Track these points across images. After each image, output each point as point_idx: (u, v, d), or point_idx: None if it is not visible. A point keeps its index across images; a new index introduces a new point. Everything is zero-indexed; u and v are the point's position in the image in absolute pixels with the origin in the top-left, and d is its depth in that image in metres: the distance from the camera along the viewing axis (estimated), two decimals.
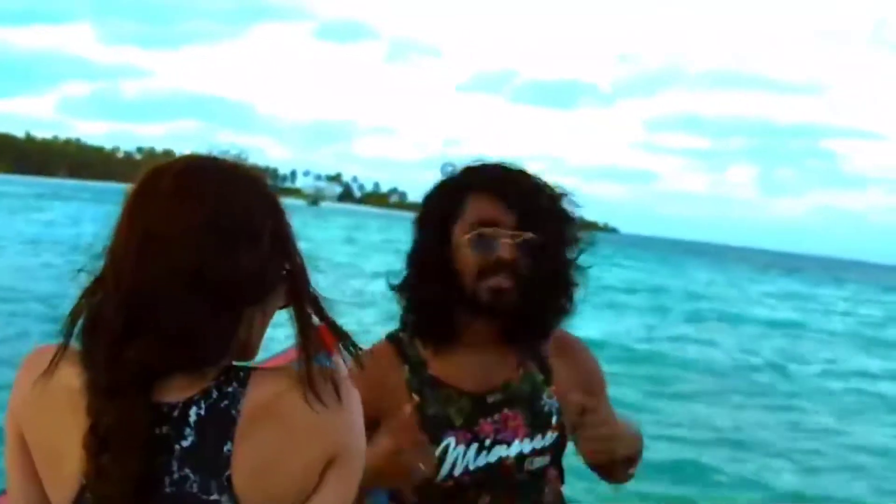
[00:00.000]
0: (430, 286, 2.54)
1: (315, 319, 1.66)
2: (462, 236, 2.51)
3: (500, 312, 2.51)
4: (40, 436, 1.61)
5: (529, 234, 2.49)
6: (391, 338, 2.64)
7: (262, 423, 1.56)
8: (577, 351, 2.74)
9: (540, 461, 2.58)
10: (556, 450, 2.60)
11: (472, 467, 2.55)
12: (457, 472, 2.55)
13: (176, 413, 1.55)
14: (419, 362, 2.60)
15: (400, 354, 2.61)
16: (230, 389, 1.57)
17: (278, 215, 1.65)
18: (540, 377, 2.64)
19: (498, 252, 2.48)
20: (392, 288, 2.61)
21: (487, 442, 2.56)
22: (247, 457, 1.54)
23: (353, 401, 1.65)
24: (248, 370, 1.61)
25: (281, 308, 1.67)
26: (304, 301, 1.64)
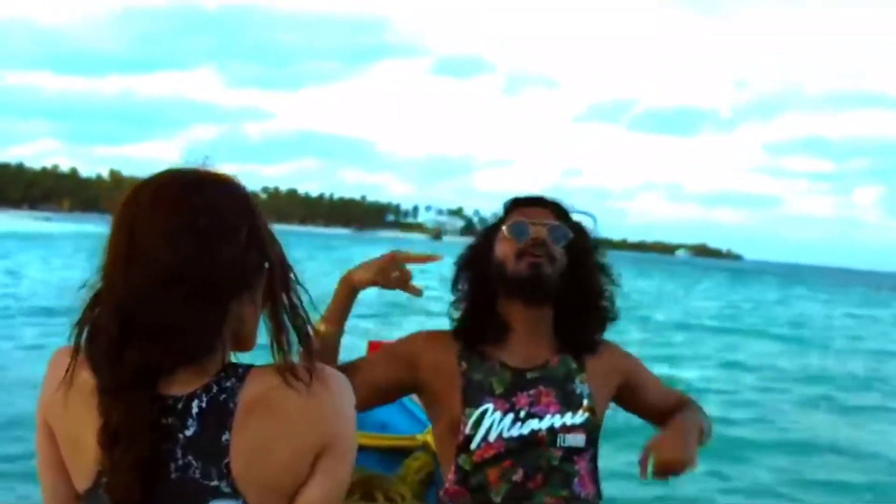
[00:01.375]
0: (475, 287, 2.92)
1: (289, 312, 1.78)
2: (501, 233, 2.88)
3: (540, 287, 2.81)
4: (65, 430, 1.76)
5: (558, 223, 2.86)
6: (452, 328, 2.96)
7: (257, 414, 1.68)
8: (607, 349, 3.00)
9: (573, 440, 2.80)
10: (590, 432, 2.83)
11: (506, 435, 2.78)
12: (491, 437, 2.78)
13: (180, 405, 1.69)
14: (471, 340, 2.92)
15: (457, 337, 2.93)
16: (228, 384, 1.70)
17: (253, 214, 1.75)
18: (574, 365, 2.90)
19: (530, 234, 2.83)
20: (452, 303, 2.95)
21: (522, 413, 2.79)
22: (243, 445, 1.66)
23: (340, 389, 1.76)
24: (247, 367, 1.74)
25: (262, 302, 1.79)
26: (278, 295, 1.76)
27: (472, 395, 2.80)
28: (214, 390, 1.70)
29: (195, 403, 1.69)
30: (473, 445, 2.77)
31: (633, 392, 3.00)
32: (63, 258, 45.53)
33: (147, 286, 1.65)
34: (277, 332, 1.75)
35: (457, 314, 2.93)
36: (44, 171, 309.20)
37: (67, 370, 1.73)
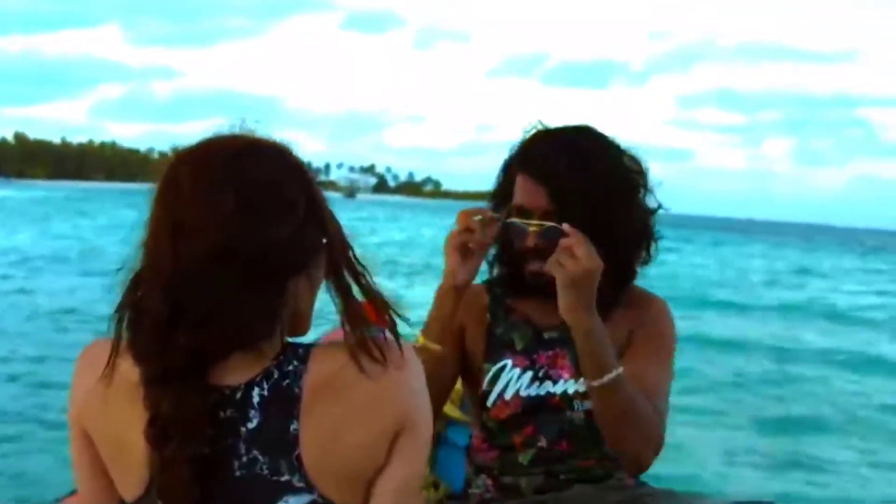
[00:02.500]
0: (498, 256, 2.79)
1: (356, 289, 1.67)
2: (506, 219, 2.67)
3: (548, 292, 2.53)
4: (105, 430, 1.64)
5: (551, 224, 2.57)
6: (487, 280, 2.86)
7: (325, 399, 1.58)
8: (643, 304, 2.79)
9: (589, 405, 2.65)
10: None
11: (522, 394, 2.71)
12: (508, 394, 2.72)
13: (238, 395, 1.58)
14: (500, 293, 2.84)
15: (488, 289, 2.85)
16: (290, 368, 1.60)
17: (309, 184, 1.66)
18: None
19: (525, 241, 2.63)
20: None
21: (541, 373, 2.71)
22: (313, 434, 1.57)
23: (412, 367, 1.66)
24: (308, 347, 1.63)
25: (325, 279, 1.69)
26: (341, 271, 1.66)
27: (493, 350, 2.77)
28: (276, 376, 1.60)
29: (255, 392, 1.58)
30: (489, 402, 2.73)
31: (625, 352, 2.70)
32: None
33: (198, 263, 1.55)
34: (347, 311, 1.65)
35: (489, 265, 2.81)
36: None
37: (108, 362, 1.60)
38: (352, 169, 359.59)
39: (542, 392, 2.71)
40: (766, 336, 22.41)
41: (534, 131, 2.76)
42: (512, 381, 2.72)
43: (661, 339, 2.76)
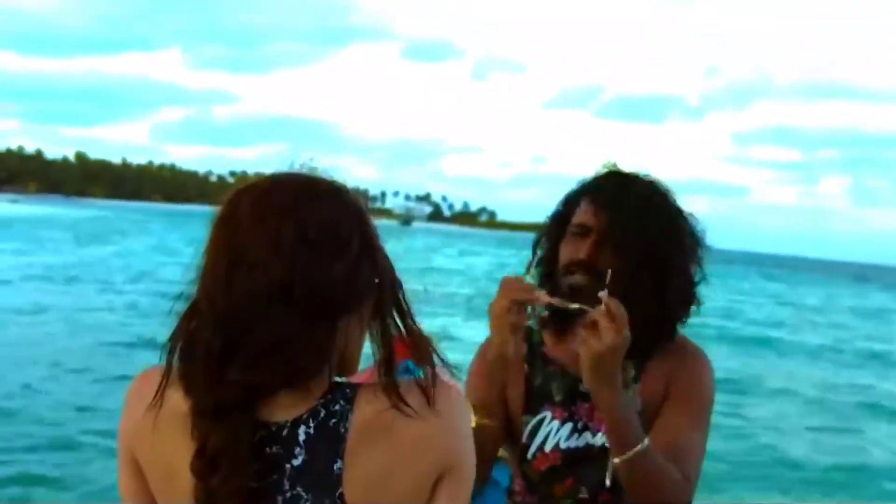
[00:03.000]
0: (540, 284, 2.72)
1: (402, 330, 1.69)
2: (568, 235, 2.69)
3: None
4: (154, 458, 1.66)
5: (605, 244, 2.59)
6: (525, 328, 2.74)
7: (371, 440, 1.59)
8: (683, 358, 2.73)
9: None
10: None
11: (562, 446, 2.68)
12: (548, 447, 2.69)
13: (285, 432, 1.59)
14: (538, 342, 2.81)
15: (525, 337, 2.71)
16: (337, 407, 1.61)
17: (365, 224, 1.68)
18: (633, 372, 2.68)
19: (571, 255, 2.64)
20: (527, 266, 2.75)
21: (580, 424, 2.68)
22: (358, 474, 1.58)
23: (455, 408, 1.66)
24: (355, 388, 1.64)
25: (371, 319, 1.70)
26: (388, 312, 1.68)
27: (532, 402, 2.73)
28: (322, 415, 1.61)
29: (302, 430, 1.60)
30: (529, 455, 2.71)
31: (663, 398, 2.66)
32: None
33: (253, 298, 1.56)
34: (384, 353, 1.67)
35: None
36: (8, 152, 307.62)
37: (158, 391, 1.62)
38: (407, 197, 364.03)
39: (582, 444, 2.68)
40: None
41: (607, 170, 2.76)
42: (552, 433, 2.70)
43: (699, 399, 2.68)
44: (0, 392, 13.35)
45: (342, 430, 1.59)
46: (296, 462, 1.59)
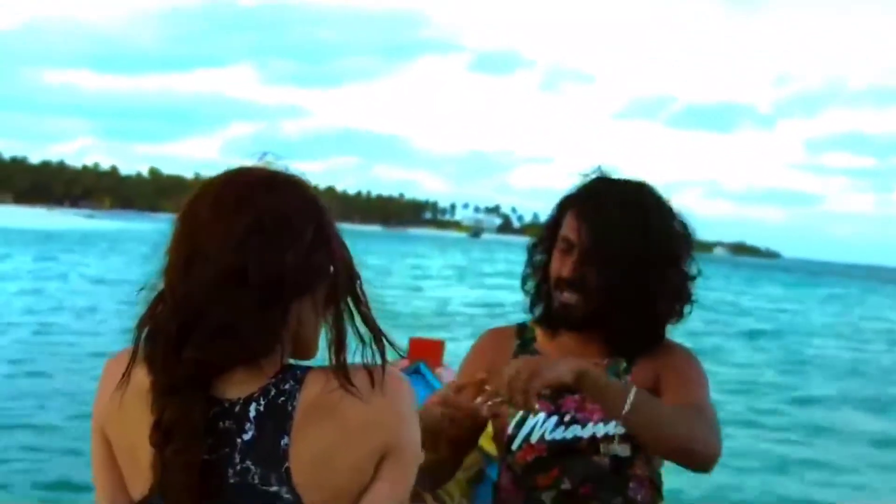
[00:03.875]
0: (536, 284, 2.88)
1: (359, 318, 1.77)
2: (556, 250, 2.79)
3: (572, 324, 2.76)
4: (120, 434, 1.76)
5: (588, 259, 2.69)
6: (519, 324, 2.96)
7: (317, 418, 1.67)
8: (672, 352, 2.83)
9: (618, 449, 2.71)
10: (635, 440, 2.69)
11: (548, 437, 2.74)
12: (533, 438, 2.75)
13: (237, 409, 1.68)
14: (530, 338, 2.90)
15: (518, 334, 2.92)
16: (287, 387, 1.69)
17: (320, 215, 1.76)
18: (623, 364, 2.79)
19: (559, 272, 2.75)
20: (523, 281, 2.91)
21: (567, 417, 2.74)
22: (303, 450, 1.66)
23: (400, 393, 1.74)
24: (306, 369, 1.73)
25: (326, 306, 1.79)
26: (341, 299, 1.75)
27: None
28: (272, 393, 1.69)
29: (252, 407, 1.68)
30: (514, 446, 2.77)
31: (655, 391, 2.75)
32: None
33: (208, 283, 1.66)
34: (335, 337, 1.74)
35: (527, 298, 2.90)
36: (84, 168, 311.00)
37: (125, 372, 1.73)
38: (477, 209, 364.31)
39: (570, 436, 2.73)
40: None
41: (593, 175, 2.83)
42: (538, 425, 2.75)
43: (692, 376, 2.78)
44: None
45: (290, 408, 1.67)
46: (246, 437, 1.67)
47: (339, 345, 1.73)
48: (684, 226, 2.79)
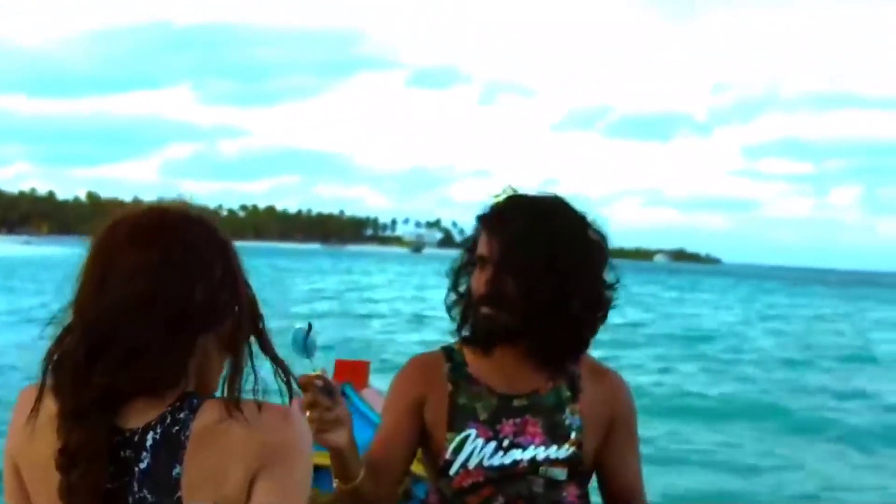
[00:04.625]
0: (460, 305, 2.88)
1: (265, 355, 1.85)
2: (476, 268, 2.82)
3: (496, 338, 2.78)
4: (32, 464, 1.77)
5: (501, 271, 2.73)
6: (444, 347, 2.93)
7: (205, 445, 1.70)
8: (612, 382, 2.90)
9: (555, 472, 2.74)
10: (574, 466, 2.75)
11: (486, 464, 2.73)
12: (471, 464, 2.74)
13: (136, 438, 1.71)
14: (461, 361, 2.86)
15: (446, 357, 2.88)
16: (181, 416, 1.72)
17: (228, 253, 1.82)
18: (567, 393, 2.81)
19: (477, 290, 2.78)
20: (447, 303, 2.92)
21: (506, 443, 2.74)
22: (192, 478, 1.69)
23: (287, 419, 1.77)
24: (202, 399, 1.75)
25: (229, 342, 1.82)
26: (242, 336, 1.80)
27: (456, 420, 2.78)
28: (168, 421, 1.72)
29: (150, 436, 1.72)
30: (452, 471, 2.75)
31: (606, 441, 2.85)
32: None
33: (118, 310, 1.70)
34: (232, 370, 1.79)
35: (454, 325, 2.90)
36: (21, 194, 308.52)
37: (36, 402, 1.76)
38: (418, 224, 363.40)
39: (508, 461, 2.74)
40: None
41: (504, 195, 2.87)
42: (475, 451, 2.74)
43: (633, 424, 2.91)
44: None
45: (182, 437, 1.71)
46: (142, 465, 1.71)
47: (233, 378, 1.78)
48: (599, 234, 2.82)
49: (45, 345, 1.78)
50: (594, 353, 2.92)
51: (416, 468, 3.44)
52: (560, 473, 2.74)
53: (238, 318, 1.81)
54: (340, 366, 5.10)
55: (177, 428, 1.72)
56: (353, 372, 5.01)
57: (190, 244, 1.78)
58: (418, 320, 36.17)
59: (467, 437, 2.74)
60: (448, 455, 2.76)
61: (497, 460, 2.73)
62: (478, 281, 2.78)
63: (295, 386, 1.93)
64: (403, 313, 40.07)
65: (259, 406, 1.75)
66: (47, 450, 1.71)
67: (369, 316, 38.95)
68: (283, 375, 1.86)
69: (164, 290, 1.72)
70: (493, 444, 2.74)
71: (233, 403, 1.73)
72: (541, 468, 2.73)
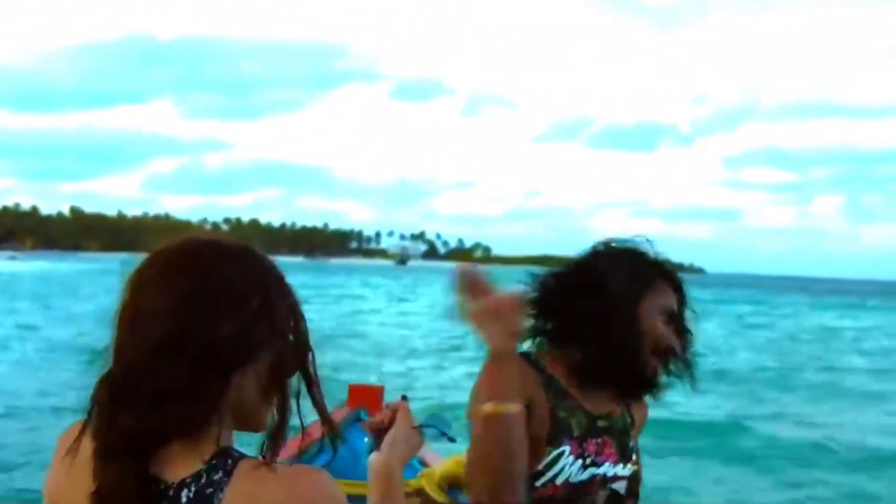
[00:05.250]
0: (615, 338, 2.85)
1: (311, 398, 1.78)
2: (653, 314, 2.91)
3: (649, 391, 2.97)
4: (67, 500, 1.73)
5: (678, 332, 2.95)
6: (523, 353, 2.88)
7: None
8: (645, 412, 3.12)
9: (618, 485, 2.89)
10: (634, 483, 2.94)
11: (571, 480, 2.81)
12: (559, 480, 2.80)
13: (171, 492, 1.66)
14: (546, 372, 2.89)
15: (529, 363, 2.87)
16: (216, 477, 1.65)
17: (267, 284, 1.75)
18: (629, 419, 3.02)
19: (671, 342, 2.91)
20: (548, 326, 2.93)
21: (588, 461, 2.84)
22: None
23: (318, 487, 1.68)
24: (237, 459, 1.68)
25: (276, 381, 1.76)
26: (284, 375, 1.74)
27: (555, 433, 2.81)
28: (203, 480, 1.66)
29: (184, 493, 1.66)
30: (539, 483, 2.77)
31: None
32: None
33: (146, 349, 1.65)
34: (277, 420, 1.74)
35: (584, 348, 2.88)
36: (5, 210, 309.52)
37: (75, 441, 1.72)
38: (402, 237, 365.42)
39: (586, 477, 2.82)
40: None
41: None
42: (566, 467, 2.79)
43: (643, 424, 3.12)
44: None
45: (215, 501, 1.64)
46: None
47: (279, 425, 1.73)
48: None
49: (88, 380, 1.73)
50: None
51: (434, 493, 3.49)
52: (622, 487, 2.88)
53: (280, 354, 1.73)
54: (354, 391, 5.03)
55: (210, 490, 1.65)
56: (367, 397, 4.94)
57: (223, 278, 1.71)
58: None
59: (562, 453, 2.79)
60: (541, 467, 2.77)
61: (579, 477, 2.80)
62: (667, 333, 2.89)
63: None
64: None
65: (295, 471, 1.67)
66: (84, 491, 1.67)
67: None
68: (324, 425, 1.78)
69: (191, 328, 1.66)
70: (580, 462, 2.81)
71: (267, 466, 1.66)
72: (609, 482, 2.85)
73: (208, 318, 1.67)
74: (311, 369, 1.77)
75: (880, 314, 73.02)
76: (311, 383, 1.77)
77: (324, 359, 1.78)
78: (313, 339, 1.79)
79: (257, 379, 1.72)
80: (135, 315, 1.69)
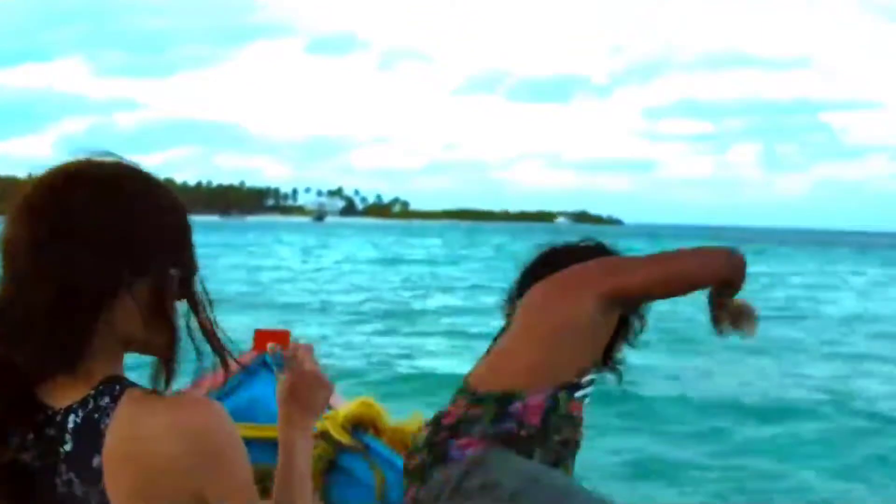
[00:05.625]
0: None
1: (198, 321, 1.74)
2: None
3: None
4: None
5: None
6: None
7: (123, 462, 1.60)
8: None
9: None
10: None
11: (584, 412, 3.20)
12: (587, 402, 3.14)
13: (58, 418, 1.64)
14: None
15: None
16: (103, 403, 1.63)
17: (131, 210, 1.69)
18: None
19: None
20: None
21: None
22: (115, 476, 1.60)
23: (208, 417, 1.65)
24: (124, 387, 1.65)
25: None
26: (165, 301, 1.70)
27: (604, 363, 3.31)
28: (90, 406, 1.64)
29: (71, 418, 1.64)
30: (577, 395, 3.07)
31: None
32: None
33: (9, 283, 1.65)
34: (166, 347, 1.71)
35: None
36: None
37: None
38: (319, 193, 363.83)
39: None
40: None
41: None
42: (592, 397, 3.12)
43: None
44: None
45: (102, 426, 1.61)
46: (66, 448, 1.63)
47: (166, 358, 1.70)
48: None
49: None
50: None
51: (339, 435, 3.52)
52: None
53: (159, 278, 1.68)
54: (260, 336, 4.93)
55: (97, 415, 1.62)
56: (274, 341, 4.85)
57: (78, 210, 1.65)
58: None
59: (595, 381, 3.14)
60: (583, 381, 3.06)
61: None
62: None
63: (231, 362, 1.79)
64: None
65: (182, 400, 1.65)
66: None
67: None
68: (212, 345, 1.74)
69: (47, 260, 1.62)
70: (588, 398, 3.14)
71: (155, 394, 1.66)
72: None
73: (65, 250, 1.62)
74: (195, 293, 1.74)
75: (793, 261, 74.15)
76: (197, 306, 1.73)
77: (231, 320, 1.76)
78: (213, 294, 1.75)
79: (137, 305, 1.68)
80: (3, 249, 1.67)
